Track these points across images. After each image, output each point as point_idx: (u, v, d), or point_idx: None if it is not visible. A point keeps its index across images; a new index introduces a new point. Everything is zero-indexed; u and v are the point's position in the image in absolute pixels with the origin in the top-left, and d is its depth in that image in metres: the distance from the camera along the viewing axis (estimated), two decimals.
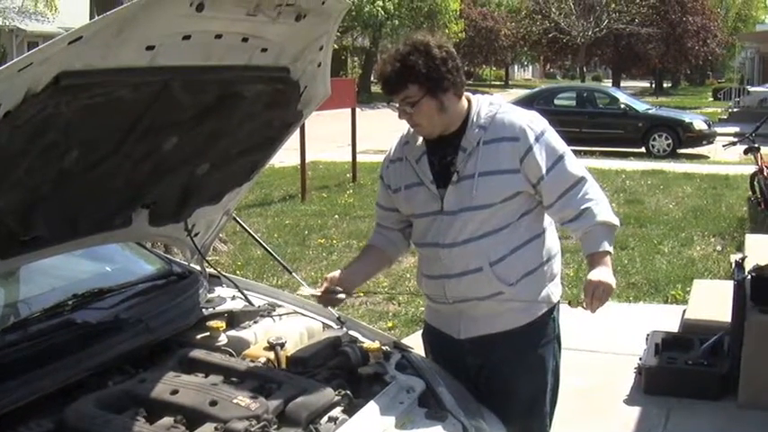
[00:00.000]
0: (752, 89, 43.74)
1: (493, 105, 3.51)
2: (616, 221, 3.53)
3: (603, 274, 3.41)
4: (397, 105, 3.41)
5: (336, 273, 3.65)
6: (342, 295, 3.58)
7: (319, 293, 3.58)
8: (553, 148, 3.45)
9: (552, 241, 3.65)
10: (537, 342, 3.64)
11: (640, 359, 6.39)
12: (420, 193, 3.54)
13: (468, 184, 3.42)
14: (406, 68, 3.33)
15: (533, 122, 3.46)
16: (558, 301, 3.71)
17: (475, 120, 3.46)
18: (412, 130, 3.56)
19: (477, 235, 3.44)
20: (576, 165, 3.50)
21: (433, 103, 3.37)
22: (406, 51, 3.34)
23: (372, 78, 59.31)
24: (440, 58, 3.34)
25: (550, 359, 3.69)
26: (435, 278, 3.57)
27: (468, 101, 3.53)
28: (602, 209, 3.48)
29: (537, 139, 3.41)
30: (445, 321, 3.68)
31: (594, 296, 3.38)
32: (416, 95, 3.34)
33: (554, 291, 3.67)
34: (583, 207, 3.45)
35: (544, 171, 3.41)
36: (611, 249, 3.51)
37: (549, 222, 3.62)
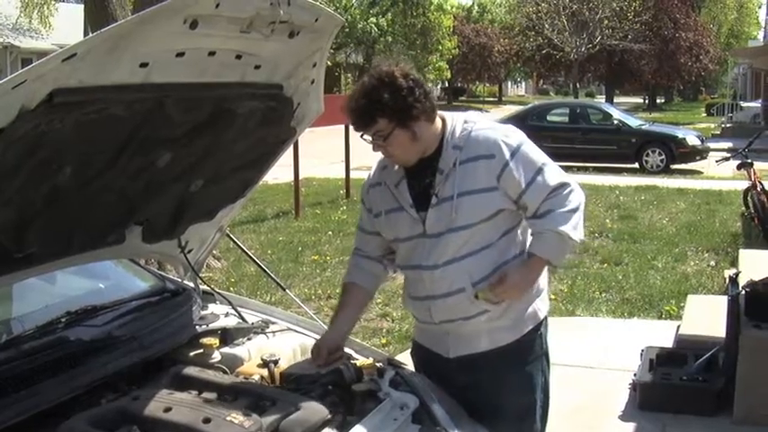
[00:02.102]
0: (744, 104, 43.97)
1: (468, 123, 3.47)
2: (575, 237, 3.42)
3: (522, 279, 3.44)
4: (370, 139, 3.39)
5: (325, 338, 3.62)
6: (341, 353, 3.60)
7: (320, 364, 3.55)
8: (531, 161, 3.39)
9: None
10: (524, 359, 3.61)
11: (635, 375, 6.38)
12: (401, 218, 3.51)
13: (447, 206, 3.39)
14: (373, 103, 3.30)
15: (508, 137, 3.41)
16: (546, 317, 3.68)
17: (450, 140, 3.43)
18: None
19: (459, 255, 3.42)
20: (557, 174, 3.43)
21: (404, 134, 3.34)
22: (371, 86, 3.32)
23: None
24: (406, 87, 3.30)
25: (539, 376, 3.67)
26: (421, 299, 3.55)
27: (443, 121, 3.49)
28: (570, 219, 3.39)
29: (513, 155, 3.37)
30: (434, 340, 3.66)
31: (497, 290, 3.40)
32: (387, 128, 3.32)
33: (541, 307, 3.64)
34: (553, 209, 3.38)
35: (524, 186, 3.36)
36: (554, 260, 3.51)
37: None
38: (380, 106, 3.28)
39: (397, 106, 3.29)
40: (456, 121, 3.49)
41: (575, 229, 3.40)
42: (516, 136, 3.44)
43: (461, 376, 3.58)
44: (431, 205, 3.42)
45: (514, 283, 3.41)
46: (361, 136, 3.41)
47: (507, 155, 3.36)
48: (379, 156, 3.57)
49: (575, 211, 3.40)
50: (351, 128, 14.80)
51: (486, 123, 3.51)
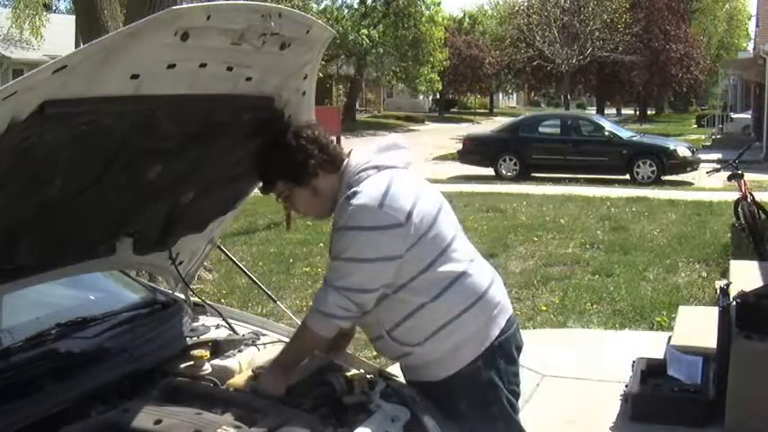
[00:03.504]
0: (735, 116, 44.13)
1: (353, 181, 3.40)
2: (317, 333, 3.39)
3: (272, 383, 3.36)
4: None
5: None
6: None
7: None
8: (336, 247, 3.35)
9: (464, 295, 3.47)
10: (462, 392, 3.51)
11: (626, 386, 6.38)
12: None
13: None
14: (267, 168, 3.42)
15: (351, 215, 3.29)
16: (492, 344, 3.51)
17: (338, 199, 3.41)
18: None
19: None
20: (336, 273, 3.33)
21: (305, 192, 3.42)
22: (263, 152, 3.43)
23: (357, 106, 59.67)
24: (297, 146, 3.36)
25: (483, 406, 3.54)
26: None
27: (344, 171, 3.46)
28: (314, 321, 3.37)
29: (334, 231, 3.36)
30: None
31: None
32: (285, 190, 3.42)
33: (481, 339, 3.50)
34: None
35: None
36: (296, 358, 3.47)
37: (456, 276, 3.45)
38: (274, 170, 3.40)
39: (289, 167, 3.36)
40: (351, 177, 3.42)
41: (312, 320, 3.38)
42: (357, 216, 3.29)
43: (423, 398, 3.57)
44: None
45: (265, 386, 3.36)
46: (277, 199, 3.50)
47: (335, 228, 3.37)
48: None
49: (315, 309, 3.36)
50: (341, 139, 14.62)
51: (358, 191, 3.34)
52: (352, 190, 3.32)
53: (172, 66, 2.82)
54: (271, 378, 3.36)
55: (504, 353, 3.57)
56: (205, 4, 2.74)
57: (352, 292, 3.29)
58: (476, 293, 3.50)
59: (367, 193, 3.30)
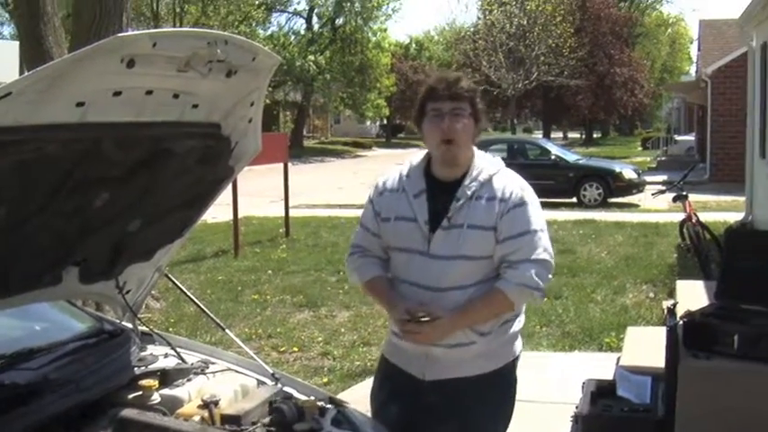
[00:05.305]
0: (679, 138, 44.76)
1: (494, 166, 3.66)
2: (516, 307, 3.63)
3: (448, 327, 3.50)
4: (442, 110, 3.60)
5: (400, 306, 3.61)
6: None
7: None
8: (527, 221, 3.53)
9: None
10: (499, 389, 3.69)
11: (577, 407, 6.40)
12: (410, 229, 3.60)
13: (456, 233, 3.51)
14: (472, 91, 3.65)
15: (524, 190, 3.60)
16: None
17: (474, 173, 3.59)
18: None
19: (461, 285, 3.52)
20: (541, 248, 3.54)
21: (470, 126, 3.59)
22: (469, 83, 3.68)
23: (305, 132, 59.61)
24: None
25: (509, 405, 3.76)
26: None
27: (473, 154, 3.67)
28: (519, 294, 3.54)
29: (517, 206, 3.53)
30: (408, 361, 3.69)
31: (416, 331, 3.50)
32: (465, 112, 3.57)
33: (518, 343, 3.76)
34: (510, 278, 3.51)
35: (506, 236, 3.50)
36: (478, 323, 3.56)
37: None
38: (474, 97, 3.65)
39: (478, 106, 3.65)
40: (485, 160, 3.69)
41: (519, 296, 3.56)
42: (531, 194, 3.63)
43: (435, 398, 3.61)
44: (441, 227, 3.53)
45: (439, 329, 3.49)
46: (442, 110, 3.61)
47: (514, 203, 3.53)
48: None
49: (527, 287, 3.52)
50: (289, 166, 14.50)
51: (511, 172, 3.70)
52: (507, 173, 3.67)
53: (118, 93, 2.81)
54: (448, 327, 3.48)
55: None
56: (151, 31, 2.74)
57: (551, 258, 3.58)
58: None
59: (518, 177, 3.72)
